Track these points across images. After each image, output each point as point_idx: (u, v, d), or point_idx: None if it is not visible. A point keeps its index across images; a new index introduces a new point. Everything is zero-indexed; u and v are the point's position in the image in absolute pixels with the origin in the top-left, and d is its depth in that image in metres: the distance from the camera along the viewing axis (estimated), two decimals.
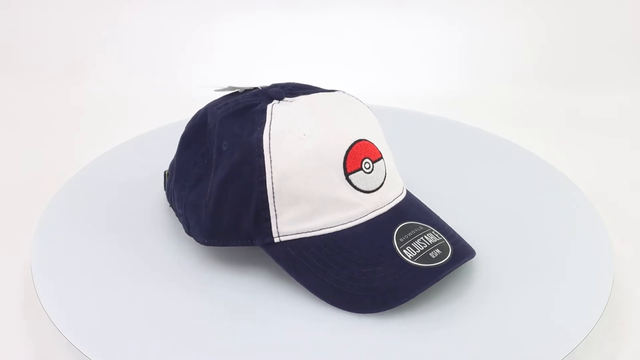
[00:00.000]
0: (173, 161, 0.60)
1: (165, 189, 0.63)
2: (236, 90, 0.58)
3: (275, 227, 0.52)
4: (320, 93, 0.57)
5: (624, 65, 1.09)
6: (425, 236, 0.54)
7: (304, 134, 0.52)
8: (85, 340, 0.48)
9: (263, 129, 0.52)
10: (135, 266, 0.56)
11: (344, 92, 0.58)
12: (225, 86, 0.58)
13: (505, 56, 1.10)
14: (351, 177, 0.53)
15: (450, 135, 0.81)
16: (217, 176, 0.53)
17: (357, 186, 0.53)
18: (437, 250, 0.53)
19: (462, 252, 0.54)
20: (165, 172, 0.63)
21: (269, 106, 0.53)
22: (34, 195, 0.73)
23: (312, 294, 0.52)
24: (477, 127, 0.82)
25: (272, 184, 0.51)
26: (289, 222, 0.52)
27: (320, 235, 0.52)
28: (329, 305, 0.52)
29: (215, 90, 0.58)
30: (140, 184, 0.66)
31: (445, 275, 0.52)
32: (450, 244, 0.54)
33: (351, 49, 1.12)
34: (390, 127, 0.72)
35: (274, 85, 0.57)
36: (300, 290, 0.53)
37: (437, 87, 1.06)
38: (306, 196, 0.51)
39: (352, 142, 0.53)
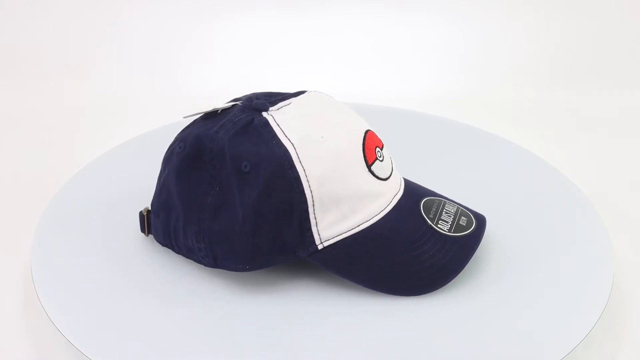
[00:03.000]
0: (167, 200, 0.55)
1: (145, 230, 0.58)
2: (215, 110, 0.55)
3: (317, 234, 0.51)
4: (299, 96, 0.56)
5: (624, 65, 1.09)
6: (446, 208, 0.57)
7: (322, 137, 0.52)
8: (85, 340, 0.48)
9: (280, 141, 0.51)
10: (135, 266, 0.56)
11: (315, 91, 0.58)
12: (207, 109, 0.55)
13: (506, 56, 1.10)
14: (372, 168, 0.54)
15: (451, 135, 0.81)
16: (248, 198, 0.50)
17: (378, 175, 0.54)
18: (463, 218, 0.57)
19: (479, 216, 0.58)
20: (142, 212, 0.58)
21: (267, 118, 0.52)
22: (34, 195, 0.74)
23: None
24: (477, 127, 0.82)
25: (311, 192, 0.50)
26: (328, 226, 0.51)
27: (360, 231, 0.52)
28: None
29: (185, 117, 0.56)
30: (140, 183, 0.66)
31: (481, 239, 0.55)
32: (466, 209, 0.58)
33: (351, 49, 1.12)
34: (390, 127, 0.71)
35: (248, 99, 0.55)
36: (299, 290, 0.53)
37: (437, 87, 1.06)
38: (342, 197, 0.51)
39: (363, 135, 0.55)
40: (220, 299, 0.53)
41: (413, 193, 0.57)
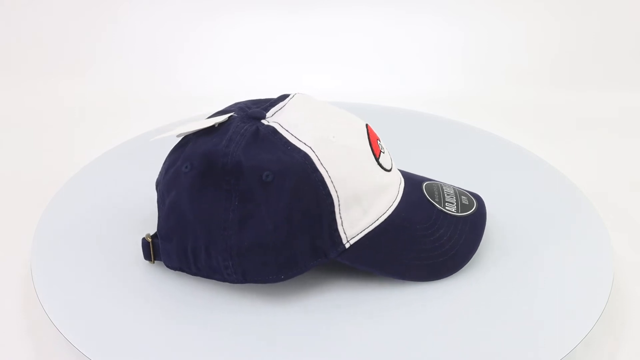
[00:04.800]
0: (179, 222, 0.52)
1: (150, 257, 0.56)
2: (212, 125, 0.53)
3: (344, 233, 0.51)
4: (288, 100, 0.56)
5: (624, 65, 1.09)
6: (444, 190, 0.59)
7: (333, 137, 0.52)
8: (85, 340, 0.48)
9: (295, 146, 0.50)
10: (135, 266, 0.56)
11: (298, 93, 0.58)
12: (206, 125, 0.52)
13: (506, 56, 1.10)
14: (380, 160, 0.55)
15: (451, 135, 0.81)
16: (276, 208, 0.49)
17: (385, 167, 0.55)
18: (463, 197, 0.59)
19: (474, 194, 0.61)
20: (145, 239, 0.55)
21: (273, 125, 0.52)
22: (33, 195, 0.74)
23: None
24: (478, 127, 0.82)
25: (337, 192, 0.50)
26: (352, 224, 0.52)
27: (380, 224, 0.53)
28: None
29: (178, 136, 0.54)
30: (140, 183, 0.66)
31: (486, 216, 0.58)
32: (460, 189, 0.61)
33: (351, 49, 1.12)
34: (391, 127, 0.72)
35: (240, 109, 0.55)
36: (295, 295, 0.53)
37: (438, 87, 1.06)
38: (362, 193, 0.52)
39: (365, 129, 0.56)
40: (222, 303, 0.53)
41: (411, 180, 0.59)
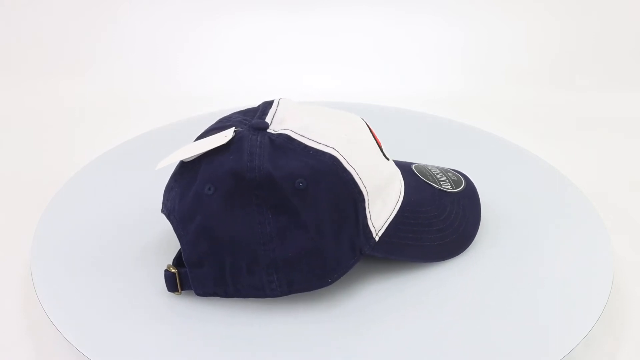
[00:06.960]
0: (211, 247, 0.50)
1: (177, 288, 0.53)
2: (221, 144, 0.50)
3: (372, 227, 0.52)
4: (274, 107, 0.55)
5: (624, 65, 1.09)
6: (431, 170, 0.61)
7: (345, 134, 0.52)
8: (85, 340, 0.48)
9: (318, 149, 0.50)
10: (135, 267, 0.56)
11: (282, 98, 0.57)
12: (218, 143, 0.50)
13: (506, 56, 1.10)
14: (383, 151, 0.56)
15: (451, 135, 0.81)
16: (316, 213, 0.49)
17: (388, 157, 0.57)
18: (449, 174, 0.62)
19: (454, 170, 0.64)
20: (169, 271, 0.52)
21: (286, 133, 0.51)
22: (33, 195, 0.74)
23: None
24: (478, 127, 0.82)
25: (365, 188, 0.51)
26: (377, 216, 0.53)
27: (397, 212, 0.55)
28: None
29: (185, 160, 0.52)
30: (140, 183, 0.67)
31: (475, 186, 0.62)
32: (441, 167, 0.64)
33: (351, 49, 1.12)
34: (391, 126, 0.72)
35: (239, 122, 0.53)
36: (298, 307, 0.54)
37: (438, 87, 1.06)
38: (380, 185, 0.53)
39: (364, 123, 0.57)
40: (224, 304, 0.53)
41: (402, 166, 0.60)
